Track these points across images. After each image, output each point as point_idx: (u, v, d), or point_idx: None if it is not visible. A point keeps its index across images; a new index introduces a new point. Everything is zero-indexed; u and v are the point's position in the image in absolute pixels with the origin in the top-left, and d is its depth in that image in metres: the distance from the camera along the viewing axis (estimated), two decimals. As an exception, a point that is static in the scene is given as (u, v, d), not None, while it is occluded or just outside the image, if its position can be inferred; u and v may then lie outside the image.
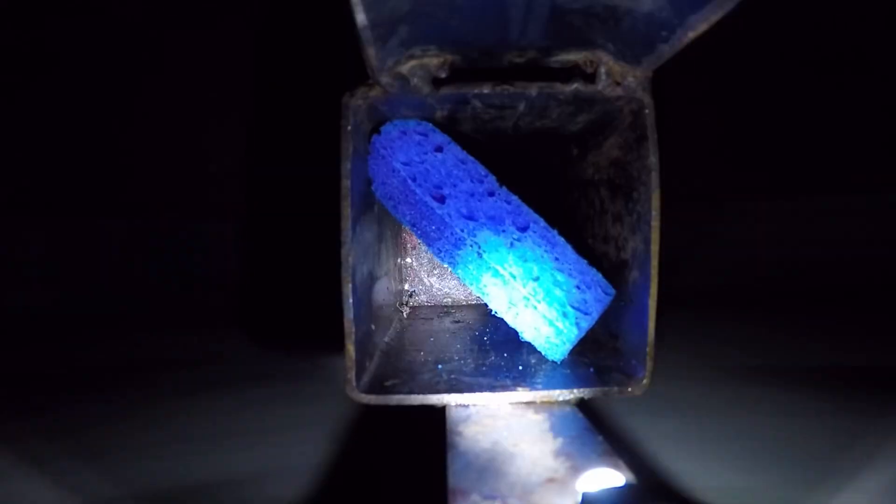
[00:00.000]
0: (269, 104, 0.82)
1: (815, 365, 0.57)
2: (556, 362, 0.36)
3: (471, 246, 0.35)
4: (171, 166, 0.79)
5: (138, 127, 0.75)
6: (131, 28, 0.70)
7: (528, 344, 0.37)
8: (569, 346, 0.35)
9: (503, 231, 0.35)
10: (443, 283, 0.56)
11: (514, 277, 0.34)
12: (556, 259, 0.36)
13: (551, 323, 0.34)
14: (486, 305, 0.53)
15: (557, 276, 0.35)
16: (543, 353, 0.36)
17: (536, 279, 0.35)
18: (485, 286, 0.37)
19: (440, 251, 0.38)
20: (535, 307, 0.34)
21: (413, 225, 0.38)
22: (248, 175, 0.84)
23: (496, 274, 0.35)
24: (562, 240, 0.37)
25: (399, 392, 0.31)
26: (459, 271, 0.38)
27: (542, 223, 0.37)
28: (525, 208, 0.37)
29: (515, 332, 0.38)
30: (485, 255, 0.35)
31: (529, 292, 0.34)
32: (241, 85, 0.81)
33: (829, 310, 0.76)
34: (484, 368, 0.35)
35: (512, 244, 0.35)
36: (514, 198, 0.38)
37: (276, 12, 0.79)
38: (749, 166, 0.83)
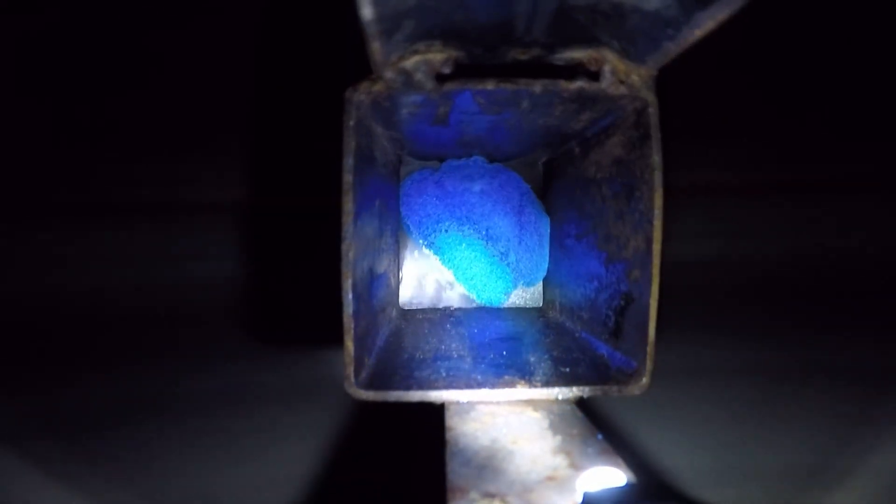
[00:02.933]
0: (269, 100, 0.81)
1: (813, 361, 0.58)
2: (554, 361, 0.36)
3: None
4: (168, 164, 0.79)
5: (135, 125, 0.75)
6: (129, 24, 0.69)
7: (528, 342, 0.37)
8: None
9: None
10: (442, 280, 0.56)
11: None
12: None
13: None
14: (485, 305, 0.54)
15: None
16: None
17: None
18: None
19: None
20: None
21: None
22: (247, 172, 0.84)
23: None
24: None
25: (398, 388, 0.31)
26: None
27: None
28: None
29: (514, 331, 0.38)
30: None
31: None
32: (240, 81, 0.81)
33: (828, 306, 0.76)
34: (483, 366, 0.35)
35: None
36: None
37: (275, 9, 0.79)
38: (747, 164, 0.83)
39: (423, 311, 0.54)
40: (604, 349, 0.37)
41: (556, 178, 0.52)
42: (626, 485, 0.22)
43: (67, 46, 0.71)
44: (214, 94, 0.78)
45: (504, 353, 0.38)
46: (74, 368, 0.64)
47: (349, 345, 0.30)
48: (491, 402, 0.31)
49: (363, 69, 0.30)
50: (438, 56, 0.30)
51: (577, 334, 0.43)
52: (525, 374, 0.33)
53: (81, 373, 0.62)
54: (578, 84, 0.31)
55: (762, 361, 0.64)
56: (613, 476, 0.23)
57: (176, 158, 0.78)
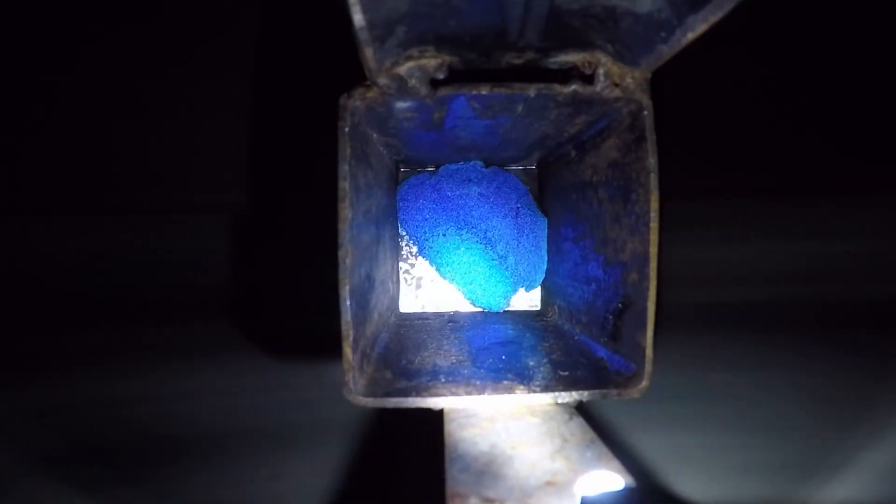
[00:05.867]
0: (264, 105, 0.81)
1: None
2: (553, 365, 0.36)
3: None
4: (166, 165, 0.79)
5: (133, 124, 0.75)
6: (126, 26, 0.69)
7: (527, 346, 0.37)
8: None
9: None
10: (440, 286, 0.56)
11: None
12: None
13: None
14: (483, 308, 0.53)
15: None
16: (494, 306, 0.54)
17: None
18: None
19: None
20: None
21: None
22: (244, 175, 0.84)
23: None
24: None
25: (396, 395, 0.31)
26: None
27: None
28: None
29: (513, 335, 0.38)
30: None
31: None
32: (235, 87, 0.81)
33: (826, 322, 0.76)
34: (482, 371, 0.35)
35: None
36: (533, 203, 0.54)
37: (269, 15, 0.79)
38: (744, 167, 0.83)
39: (421, 316, 0.54)
40: (603, 352, 0.37)
41: (552, 182, 0.52)
42: (625, 489, 0.22)
43: (64, 48, 0.71)
44: (210, 100, 0.78)
45: (503, 357, 0.38)
46: (75, 370, 0.64)
47: (347, 351, 0.30)
48: (490, 408, 0.31)
49: (356, 72, 0.30)
50: (432, 61, 0.30)
51: (575, 337, 0.43)
52: (524, 379, 0.33)
53: (80, 372, 0.62)
54: (573, 87, 0.31)
55: (761, 361, 0.64)
56: (612, 480, 0.23)
57: (173, 161, 0.78)
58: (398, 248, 0.54)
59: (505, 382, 0.33)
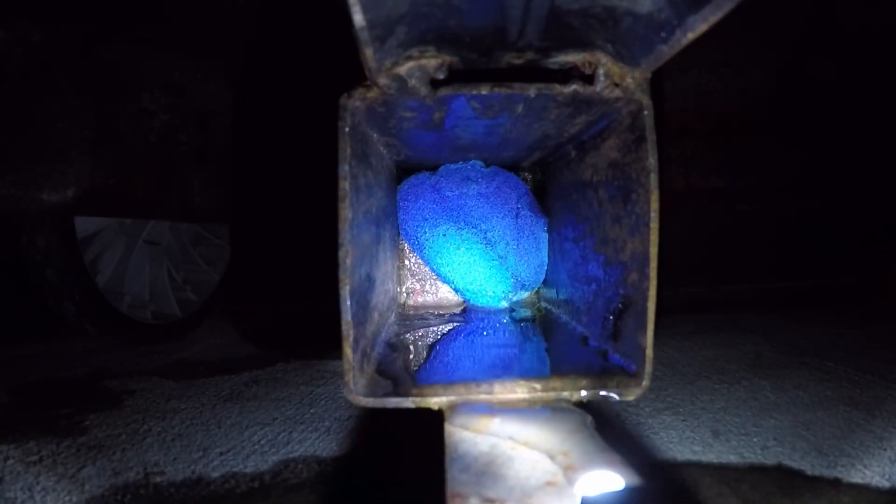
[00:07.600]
0: (264, 106, 0.81)
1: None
2: (553, 365, 0.36)
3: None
4: (165, 164, 0.79)
5: (133, 123, 0.75)
6: (127, 27, 0.69)
7: (527, 346, 0.37)
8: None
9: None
10: (440, 285, 0.56)
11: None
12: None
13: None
14: (483, 308, 0.53)
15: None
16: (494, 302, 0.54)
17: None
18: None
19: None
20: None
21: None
22: (244, 175, 0.84)
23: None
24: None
25: (397, 394, 0.31)
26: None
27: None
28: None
29: (513, 335, 0.38)
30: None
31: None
32: (236, 86, 0.81)
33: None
34: (482, 370, 0.35)
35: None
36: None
37: (271, 14, 0.79)
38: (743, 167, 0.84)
39: (422, 316, 0.54)
40: (603, 352, 0.37)
41: (552, 182, 0.52)
42: (625, 489, 0.22)
43: (61, 52, 0.71)
44: (209, 100, 0.79)
45: (503, 356, 0.38)
46: (69, 377, 0.64)
47: (347, 351, 0.30)
48: (490, 407, 0.31)
49: (356, 73, 0.30)
50: (432, 61, 0.30)
51: (575, 337, 0.43)
52: (524, 378, 0.33)
53: (78, 379, 0.63)
54: (573, 87, 0.31)
55: (761, 355, 0.64)
56: (613, 480, 0.23)
57: (172, 161, 0.78)
58: (398, 248, 0.54)
59: (505, 382, 0.33)
